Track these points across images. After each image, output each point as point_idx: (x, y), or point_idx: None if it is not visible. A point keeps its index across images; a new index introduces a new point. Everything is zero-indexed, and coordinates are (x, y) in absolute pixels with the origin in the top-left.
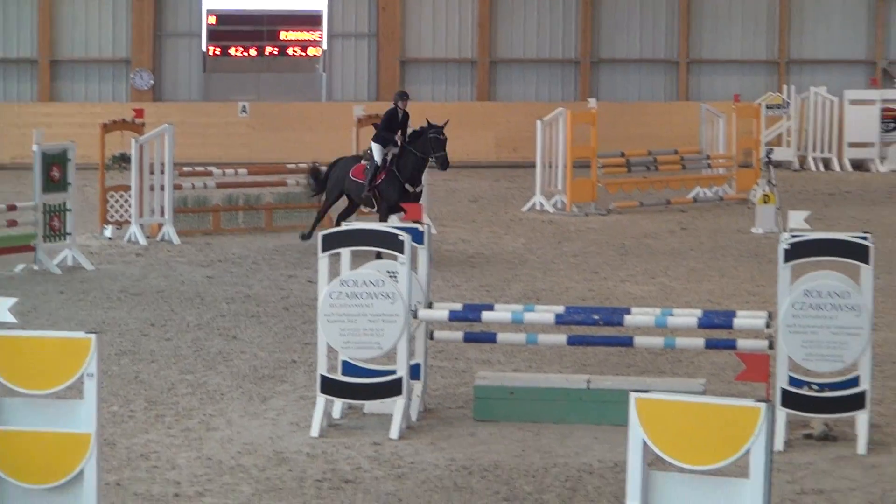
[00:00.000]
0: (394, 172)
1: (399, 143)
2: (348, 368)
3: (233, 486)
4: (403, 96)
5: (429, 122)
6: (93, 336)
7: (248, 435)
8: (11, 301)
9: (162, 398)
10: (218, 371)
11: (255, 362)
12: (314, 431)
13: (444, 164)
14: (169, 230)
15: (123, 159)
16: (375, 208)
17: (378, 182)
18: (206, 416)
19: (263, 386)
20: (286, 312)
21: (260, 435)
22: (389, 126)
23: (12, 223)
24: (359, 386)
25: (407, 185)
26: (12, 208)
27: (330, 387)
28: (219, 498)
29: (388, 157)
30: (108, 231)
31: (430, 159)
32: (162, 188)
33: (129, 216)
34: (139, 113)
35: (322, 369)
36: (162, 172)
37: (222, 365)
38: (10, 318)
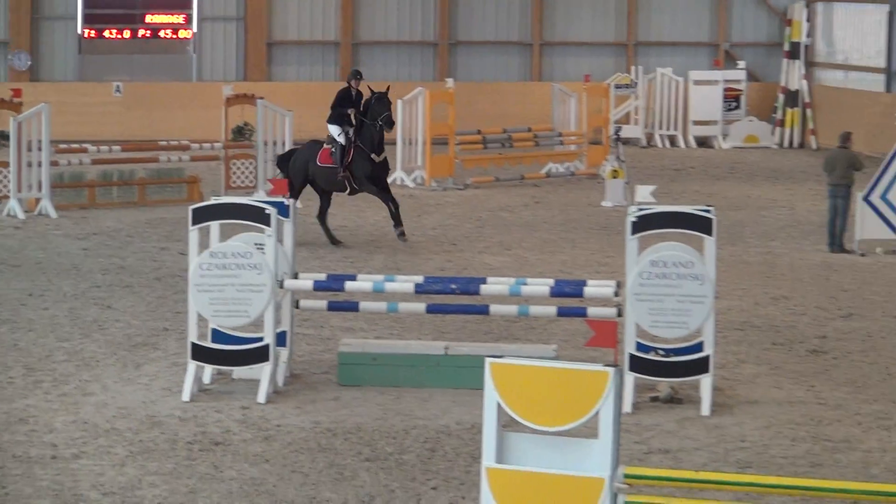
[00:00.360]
0: (359, 147)
1: (353, 120)
2: (217, 336)
3: (107, 448)
4: (357, 75)
5: (371, 90)
6: None
7: (122, 399)
8: None
9: (40, 365)
10: (93, 339)
11: (128, 330)
12: (185, 396)
13: (388, 123)
14: (46, 204)
15: (2, 137)
16: (348, 191)
17: (349, 161)
18: (82, 381)
19: (137, 353)
20: (158, 283)
21: (133, 399)
22: (342, 104)
23: None
24: (227, 353)
25: (373, 156)
26: None
27: (200, 353)
28: (94, 459)
29: (350, 134)
30: None
31: (377, 123)
32: (39, 164)
33: (8, 191)
34: (17, 93)
35: (192, 337)
36: (39, 149)
37: (98, 333)
38: None
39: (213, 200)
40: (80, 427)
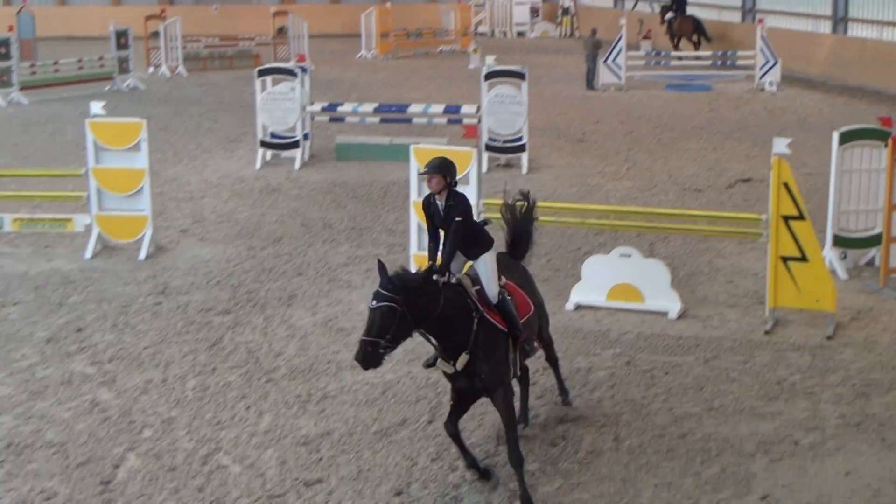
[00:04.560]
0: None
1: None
2: (273, 135)
3: (218, 193)
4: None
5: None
6: (143, 121)
7: (225, 168)
8: (102, 103)
9: (181, 151)
10: (209, 137)
11: (227, 132)
12: (257, 165)
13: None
14: (181, 69)
15: (155, 35)
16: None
17: None
18: (203, 158)
19: (231, 144)
20: (241, 108)
21: (231, 168)
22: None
23: (102, 65)
24: (278, 143)
25: (440, 362)
26: (101, 58)
27: (265, 143)
28: (212, 199)
29: None
30: (151, 70)
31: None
32: (177, 48)
33: (160, 62)
34: (163, 11)
35: (260, 136)
36: (177, 39)
37: (211, 134)
38: (101, 112)
39: (267, 66)
40: (203, 182)
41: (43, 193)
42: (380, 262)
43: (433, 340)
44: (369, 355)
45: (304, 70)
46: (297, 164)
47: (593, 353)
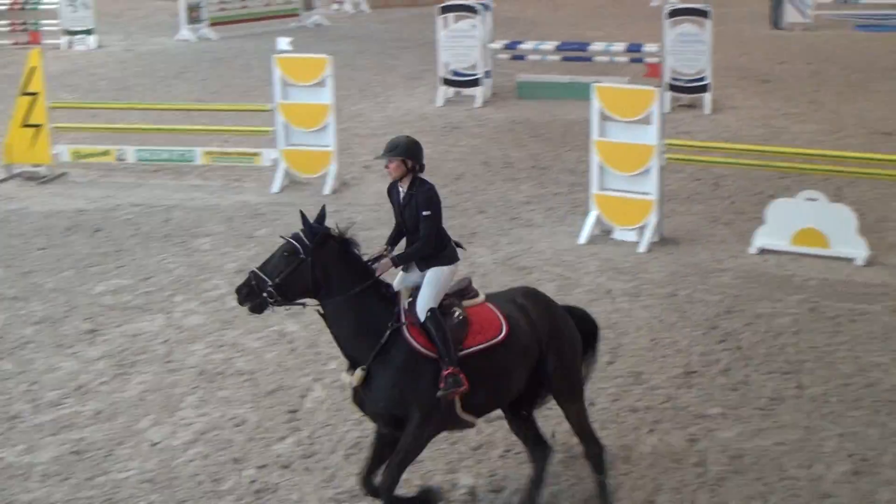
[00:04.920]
0: None
1: None
2: (455, 73)
3: (401, 129)
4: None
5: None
6: (329, 57)
7: (407, 105)
8: (288, 39)
9: (364, 87)
10: (389, 74)
11: (409, 69)
12: (439, 102)
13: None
14: (364, 6)
15: None
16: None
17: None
18: (386, 95)
19: (412, 82)
20: (422, 47)
21: (413, 105)
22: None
23: (288, 1)
24: (461, 81)
25: (344, 374)
26: None
27: (447, 81)
28: (394, 135)
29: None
30: (335, 7)
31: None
32: None
33: None
34: None
35: (441, 73)
36: None
37: (391, 71)
38: (288, 48)
39: (449, 3)
40: (386, 119)
41: (232, 128)
42: (301, 212)
43: (332, 334)
44: (250, 290)
45: (485, 7)
46: (479, 102)
47: (776, 299)
